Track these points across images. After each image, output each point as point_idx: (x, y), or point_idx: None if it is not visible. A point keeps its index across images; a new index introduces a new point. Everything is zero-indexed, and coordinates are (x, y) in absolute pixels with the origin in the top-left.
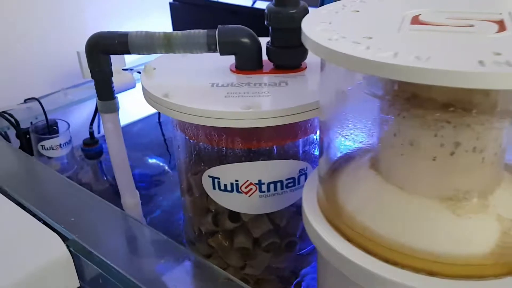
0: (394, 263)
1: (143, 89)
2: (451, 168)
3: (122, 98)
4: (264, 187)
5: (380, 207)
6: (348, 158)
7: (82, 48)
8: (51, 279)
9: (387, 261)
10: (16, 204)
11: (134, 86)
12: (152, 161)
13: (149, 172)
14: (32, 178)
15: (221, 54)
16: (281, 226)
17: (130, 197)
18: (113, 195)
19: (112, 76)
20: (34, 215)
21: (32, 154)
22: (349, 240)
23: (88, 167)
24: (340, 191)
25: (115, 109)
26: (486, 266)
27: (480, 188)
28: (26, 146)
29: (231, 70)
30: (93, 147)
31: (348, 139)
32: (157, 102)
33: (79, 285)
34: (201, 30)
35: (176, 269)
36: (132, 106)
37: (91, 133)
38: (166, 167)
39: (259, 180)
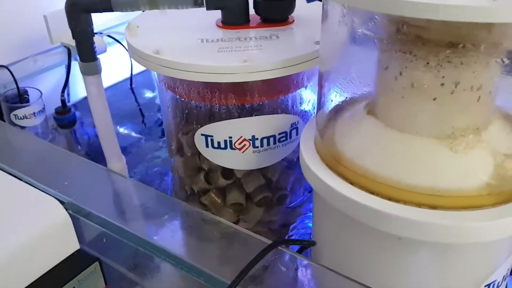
0: (397, 201)
1: (130, 47)
2: (450, 107)
3: None
4: (257, 143)
5: (381, 150)
6: (345, 106)
7: (49, 12)
8: (52, 243)
9: (390, 199)
10: (4, 172)
11: (105, 51)
12: (125, 129)
13: (123, 140)
14: (14, 145)
15: (208, 8)
16: (273, 180)
17: (117, 162)
18: None
19: (94, 35)
20: (26, 182)
21: None
22: (351, 183)
23: (61, 137)
24: (339, 138)
25: (97, 71)
26: (482, 196)
27: (475, 125)
28: None
29: (218, 26)
30: (66, 116)
31: (348, 87)
32: (147, 60)
33: (78, 248)
34: None
35: (179, 223)
36: (103, 72)
37: (63, 101)
38: (140, 135)
39: (253, 136)
